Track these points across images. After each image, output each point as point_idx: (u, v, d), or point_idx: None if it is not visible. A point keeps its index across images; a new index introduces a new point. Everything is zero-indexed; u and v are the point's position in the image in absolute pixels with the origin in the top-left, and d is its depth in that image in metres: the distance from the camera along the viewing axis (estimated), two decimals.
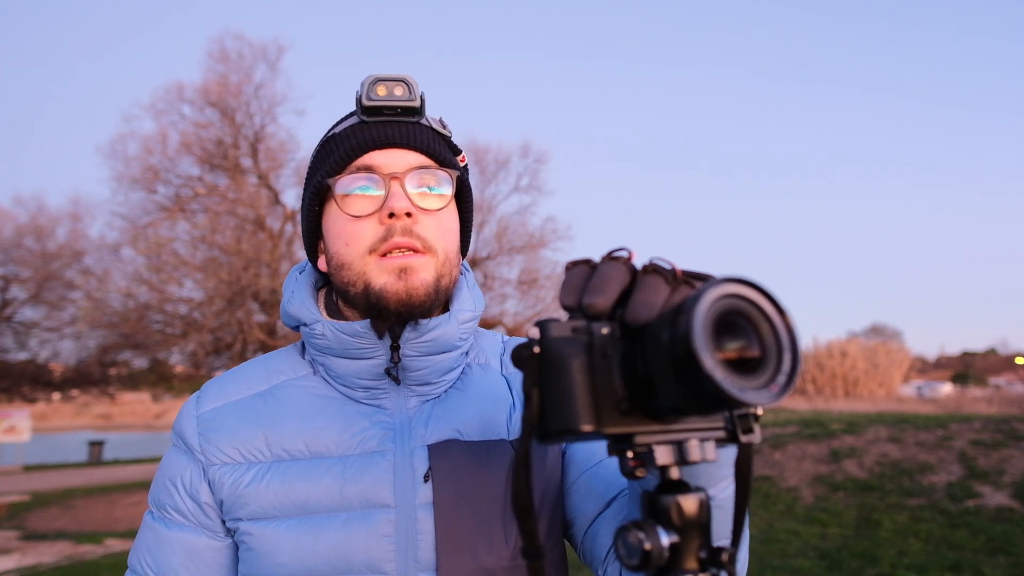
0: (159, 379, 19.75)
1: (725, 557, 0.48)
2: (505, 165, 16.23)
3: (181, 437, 0.90)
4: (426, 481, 0.83)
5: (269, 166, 14.13)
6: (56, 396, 19.90)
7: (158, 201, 13.86)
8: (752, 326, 0.45)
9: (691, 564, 0.48)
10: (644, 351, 0.47)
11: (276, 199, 14.12)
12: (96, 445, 21.73)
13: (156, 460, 20.72)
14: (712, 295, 0.43)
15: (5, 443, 16.79)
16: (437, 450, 0.85)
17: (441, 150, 0.88)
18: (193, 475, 0.88)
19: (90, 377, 17.97)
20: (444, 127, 0.90)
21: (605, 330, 0.49)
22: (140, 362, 17.20)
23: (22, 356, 17.84)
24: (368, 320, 0.85)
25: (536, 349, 0.49)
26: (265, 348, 12.82)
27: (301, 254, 13.86)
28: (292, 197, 14.56)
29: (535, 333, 0.49)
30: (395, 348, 0.86)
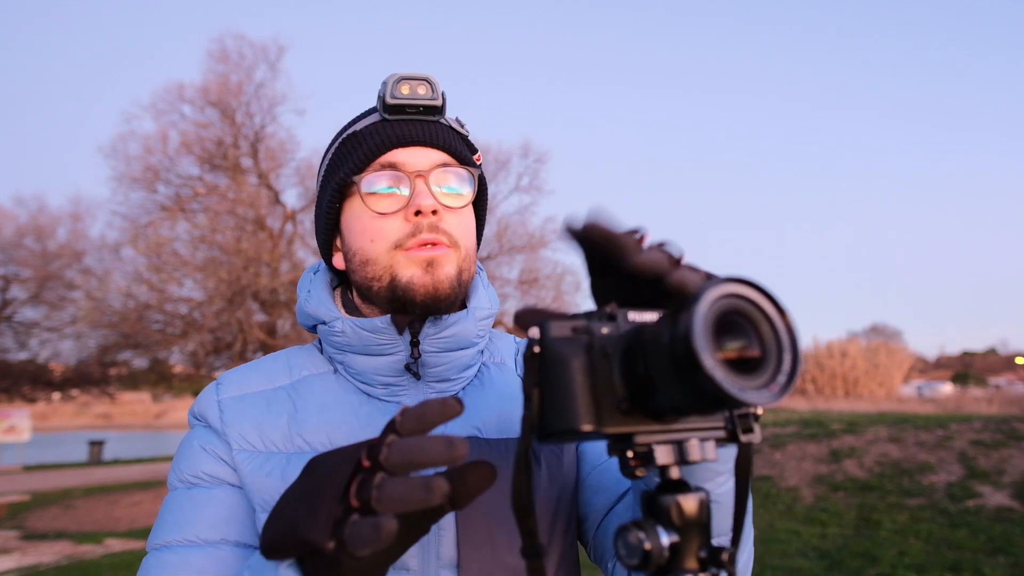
0: (159, 379, 19.76)
1: (725, 557, 0.48)
2: (505, 165, 16.21)
3: (204, 418, 0.89)
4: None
5: (269, 166, 14.12)
6: (56, 396, 19.86)
7: (158, 201, 13.85)
8: (752, 326, 0.45)
9: (691, 564, 0.48)
10: (644, 351, 0.47)
11: (276, 199, 14.10)
12: (96, 445, 21.74)
13: (156, 460, 20.73)
14: (712, 295, 0.43)
15: (5, 443, 16.78)
16: None
17: (461, 149, 0.90)
18: (224, 447, 0.86)
19: (90, 377, 17.95)
20: (462, 126, 0.92)
21: (605, 330, 0.49)
22: (140, 362, 17.18)
23: (22, 356, 17.82)
24: (388, 316, 0.85)
25: (536, 349, 0.49)
26: (265, 348, 12.81)
27: (301, 254, 13.89)
28: (292, 197, 14.56)
29: (535, 333, 0.49)
30: (414, 344, 0.86)
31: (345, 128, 0.92)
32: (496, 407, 0.90)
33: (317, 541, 0.50)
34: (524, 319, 0.53)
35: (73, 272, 15.63)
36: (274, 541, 0.55)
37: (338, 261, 0.93)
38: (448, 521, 0.81)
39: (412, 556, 0.80)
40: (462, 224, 0.88)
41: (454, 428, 0.87)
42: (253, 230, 13.42)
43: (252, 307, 13.21)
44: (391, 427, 0.53)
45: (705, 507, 0.50)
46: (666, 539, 0.48)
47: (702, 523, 0.49)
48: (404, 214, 0.84)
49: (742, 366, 0.44)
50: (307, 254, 14.06)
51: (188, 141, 13.63)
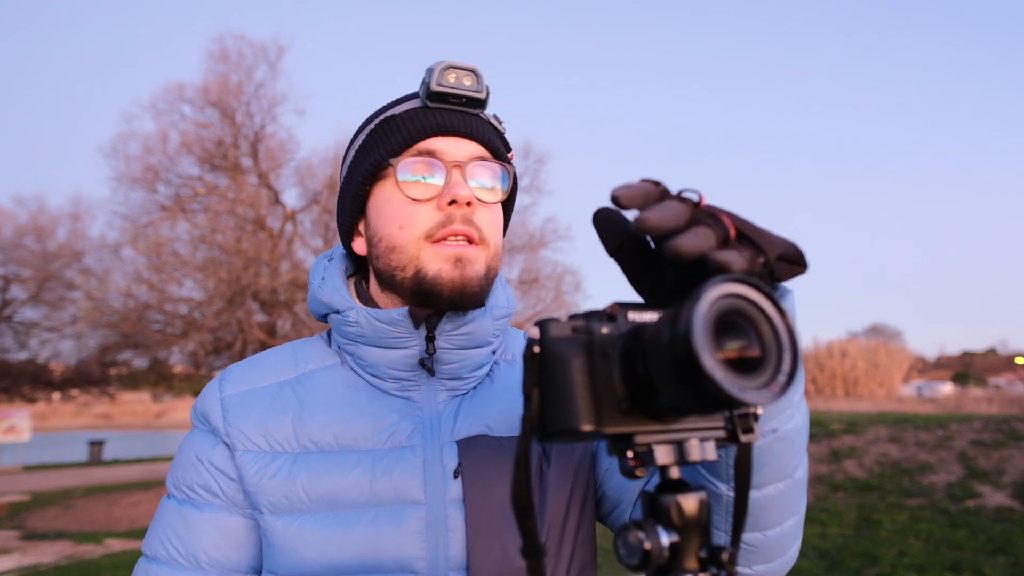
0: (159, 379, 19.74)
1: (725, 557, 0.48)
2: None
3: (205, 418, 0.87)
4: (456, 477, 0.82)
5: (269, 166, 14.11)
6: (56, 396, 19.85)
7: (158, 201, 13.84)
8: (752, 326, 0.45)
9: (691, 564, 0.48)
10: (644, 351, 0.47)
11: (276, 199, 14.09)
12: (96, 445, 21.71)
13: (156, 460, 20.72)
14: (712, 295, 0.43)
15: (5, 443, 16.77)
16: (466, 446, 0.84)
17: (498, 144, 0.89)
18: (223, 453, 0.85)
19: (90, 377, 17.93)
20: (500, 123, 0.90)
21: (605, 330, 0.49)
22: (140, 362, 17.15)
23: (22, 356, 17.80)
24: (406, 308, 0.84)
25: (536, 349, 0.49)
26: (265, 348, 12.75)
27: (301, 254, 13.88)
28: (292, 197, 14.55)
29: (535, 333, 0.49)
30: (430, 339, 0.85)
31: (381, 111, 0.90)
32: (506, 405, 0.88)
33: None
34: (601, 216, 0.53)
35: (73, 272, 15.62)
36: None
37: (359, 246, 0.91)
38: (457, 523, 0.80)
39: (420, 558, 0.79)
40: (493, 220, 0.86)
41: (465, 426, 0.86)
42: (253, 230, 13.41)
43: (252, 307, 13.20)
44: None
45: (705, 507, 0.50)
46: (666, 539, 0.48)
47: (702, 523, 0.49)
48: (437, 203, 0.83)
49: (742, 366, 0.44)
50: (307, 254, 14.06)
51: (188, 141, 13.62)
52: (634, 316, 0.50)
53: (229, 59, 13.89)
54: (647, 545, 0.47)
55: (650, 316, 0.51)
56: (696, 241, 0.48)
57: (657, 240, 0.51)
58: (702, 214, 0.51)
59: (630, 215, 0.52)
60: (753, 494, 0.69)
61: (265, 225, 13.65)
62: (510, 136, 0.93)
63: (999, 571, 5.81)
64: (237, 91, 13.86)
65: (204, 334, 12.87)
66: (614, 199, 0.50)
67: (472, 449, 0.84)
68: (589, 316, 0.50)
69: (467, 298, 0.82)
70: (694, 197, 0.51)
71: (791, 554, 0.77)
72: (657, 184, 0.51)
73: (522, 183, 16.13)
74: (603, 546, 0.98)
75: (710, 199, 0.52)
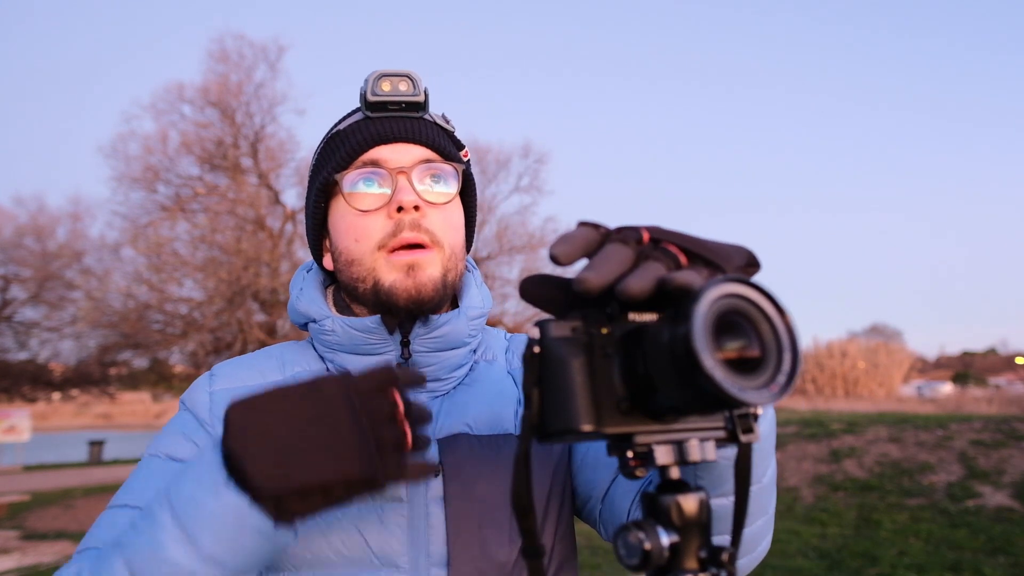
0: (159, 379, 19.75)
1: (725, 557, 0.48)
2: (506, 165, 16.23)
3: (193, 409, 0.88)
4: (436, 475, 0.83)
5: (269, 166, 14.11)
6: (56, 396, 19.85)
7: (158, 201, 13.85)
8: (752, 326, 0.45)
9: (691, 564, 0.48)
10: (644, 351, 0.47)
11: (276, 199, 14.10)
12: (96, 445, 21.71)
13: None
14: (712, 295, 0.43)
15: (5, 443, 16.76)
16: (447, 444, 0.85)
17: (446, 145, 0.89)
18: (206, 439, 0.85)
19: (90, 377, 17.94)
20: (447, 122, 0.91)
21: (605, 330, 0.49)
22: (140, 362, 17.17)
23: (22, 356, 17.80)
24: (378, 316, 0.85)
25: (536, 349, 0.49)
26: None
27: (301, 254, 13.87)
28: (292, 197, 14.56)
29: (535, 333, 0.49)
30: (405, 344, 0.86)
31: (331, 128, 0.92)
32: (486, 404, 0.90)
33: None
34: (529, 287, 0.52)
35: (73, 272, 15.61)
36: None
37: (328, 262, 0.93)
38: (438, 519, 0.82)
39: (402, 554, 0.80)
40: (446, 221, 0.87)
41: (446, 425, 0.87)
42: (253, 230, 13.41)
43: (252, 307, 13.20)
44: None
45: (705, 507, 0.50)
46: (666, 539, 0.48)
47: (702, 523, 0.49)
48: (386, 211, 0.84)
49: (742, 366, 0.44)
50: (307, 254, 13.97)
51: (188, 141, 13.62)
52: (634, 316, 0.50)
53: (229, 59, 13.91)
54: (647, 545, 0.47)
55: (650, 316, 0.51)
56: (644, 279, 0.45)
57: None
58: (647, 250, 0.49)
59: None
60: (723, 501, 0.69)
61: (265, 225, 13.65)
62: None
63: (999, 571, 5.81)
64: (237, 91, 13.86)
65: (204, 334, 12.87)
66: (554, 259, 0.48)
67: (452, 447, 0.85)
68: (589, 316, 0.50)
69: (423, 304, 0.83)
70: (635, 235, 0.49)
71: (761, 549, 0.79)
72: (596, 227, 0.49)
73: (522, 183, 16.16)
74: (602, 546, 0.98)
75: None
